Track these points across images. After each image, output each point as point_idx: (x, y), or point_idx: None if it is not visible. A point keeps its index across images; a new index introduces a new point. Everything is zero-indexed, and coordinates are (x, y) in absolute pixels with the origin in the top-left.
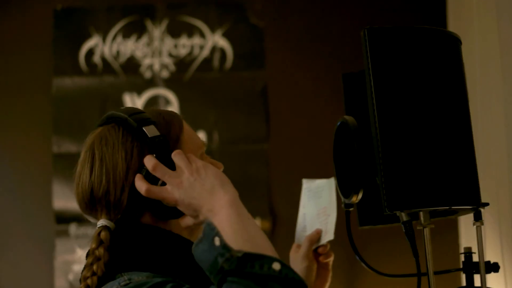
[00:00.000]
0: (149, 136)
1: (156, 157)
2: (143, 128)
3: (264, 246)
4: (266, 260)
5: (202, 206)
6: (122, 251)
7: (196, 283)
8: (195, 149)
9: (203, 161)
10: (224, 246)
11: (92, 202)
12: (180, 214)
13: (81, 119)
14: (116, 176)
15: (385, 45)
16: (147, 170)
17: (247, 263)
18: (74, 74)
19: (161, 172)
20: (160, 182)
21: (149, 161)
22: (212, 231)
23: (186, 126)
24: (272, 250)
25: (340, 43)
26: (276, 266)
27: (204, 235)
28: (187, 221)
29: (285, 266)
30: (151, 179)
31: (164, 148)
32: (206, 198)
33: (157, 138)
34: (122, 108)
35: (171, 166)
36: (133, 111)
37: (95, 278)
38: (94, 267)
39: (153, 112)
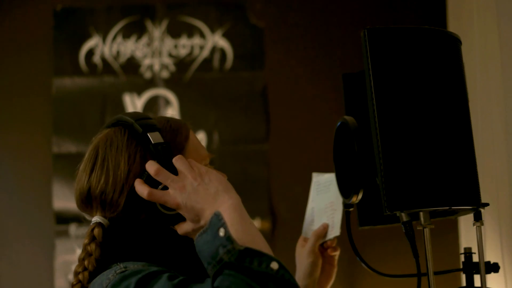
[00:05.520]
0: (152, 142)
1: (158, 163)
2: (148, 134)
3: (264, 249)
4: (265, 258)
5: (205, 210)
6: (117, 244)
7: (191, 276)
8: (199, 159)
9: (206, 167)
10: (228, 237)
11: (88, 200)
12: (177, 221)
13: (81, 119)
14: (116, 177)
15: (385, 45)
16: (148, 175)
17: (246, 258)
18: (74, 74)
19: (164, 176)
20: (160, 187)
21: (152, 166)
22: (219, 221)
23: (193, 136)
24: (271, 253)
25: (340, 43)
26: (274, 265)
27: (210, 225)
28: (185, 227)
29: (283, 267)
30: (152, 184)
31: (166, 155)
32: (210, 202)
33: (160, 145)
34: (131, 112)
35: (173, 172)
36: (140, 116)
37: (86, 273)
38: (86, 262)
39: (161, 119)
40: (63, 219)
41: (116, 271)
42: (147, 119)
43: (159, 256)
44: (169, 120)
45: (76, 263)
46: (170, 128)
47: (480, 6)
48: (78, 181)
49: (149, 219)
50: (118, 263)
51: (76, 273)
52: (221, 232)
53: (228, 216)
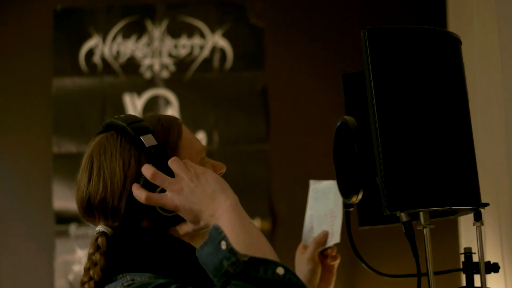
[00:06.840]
0: (146, 145)
1: (154, 166)
2: (141, 138)
3: (266, 250)
4: (271, 264)
5: (203, 211)
6: (122, 254)
7: (197, 285)
8: (195, 154)
9: (202, 167)
10: (231, 250)
11: (90, 209)
12: (178, 222)
13: (81, 119)
14: (114, 185)
15: (385, 45)
16: (145, 179)
17: (252, 267)
18: (74, 74)
19: (161, 179)
20: (158, 190)
21: (148, 170)
22: (219, 235)
23: (186, 131)
24: (273, 254)
25: (340, 43)
26: (280, 271)
27: (210, 238)
28: (186, 228)
29: (289, 271)
30: (149, 188)
31: (161, 157)
32: (208, 203)
33: (154, 147)
34: (121, 116)
35: (170, 174)
36: (132, 120)
37: (92, 283)
38: (91, 272)
39: (152, 119)
40: (63, 219)
41: (123, 284)
42: (139, 122)
43: (165, 267)
44: (160, 118)
45: (76, 263)
46: (162, 127)
47: (480, 6)
48: (77, 191)
49: (152, 227)
50: (125, 275)
51: (82, 283)
52: (223, 245)
53: (227, 218)
